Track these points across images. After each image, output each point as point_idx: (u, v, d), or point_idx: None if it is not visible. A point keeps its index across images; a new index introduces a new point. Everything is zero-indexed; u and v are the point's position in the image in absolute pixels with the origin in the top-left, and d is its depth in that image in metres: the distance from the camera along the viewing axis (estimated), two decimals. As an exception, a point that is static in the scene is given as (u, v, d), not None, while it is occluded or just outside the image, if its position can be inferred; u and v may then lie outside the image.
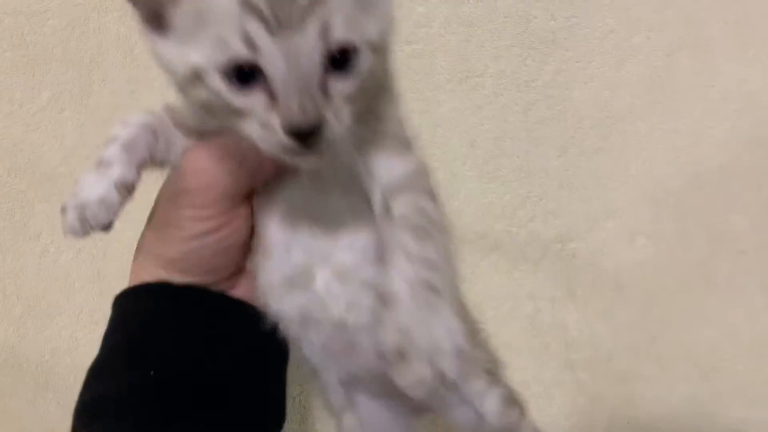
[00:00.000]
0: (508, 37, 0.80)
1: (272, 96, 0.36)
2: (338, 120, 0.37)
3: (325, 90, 0.37)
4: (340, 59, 0.37)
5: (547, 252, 0.81)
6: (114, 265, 0.84)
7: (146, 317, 0.48)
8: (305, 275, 0.47)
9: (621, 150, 0.80)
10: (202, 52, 0.36)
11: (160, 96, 0.45)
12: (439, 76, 0.81)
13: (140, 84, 0.83)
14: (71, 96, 0.85)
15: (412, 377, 0.38)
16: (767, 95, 0.78)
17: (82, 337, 0.83)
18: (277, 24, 0.35)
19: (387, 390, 0.47)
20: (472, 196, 0.81)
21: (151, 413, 0.44)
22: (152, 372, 0.45)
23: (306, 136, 0.36)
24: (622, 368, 0.74)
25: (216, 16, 0.35)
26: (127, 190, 0.43)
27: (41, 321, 0.84)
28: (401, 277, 0.40)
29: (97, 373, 0.47)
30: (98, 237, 0.44)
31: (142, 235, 0.50)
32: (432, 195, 0.44)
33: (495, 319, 0.79)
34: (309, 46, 0.35)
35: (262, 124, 0.37)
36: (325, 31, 0.35)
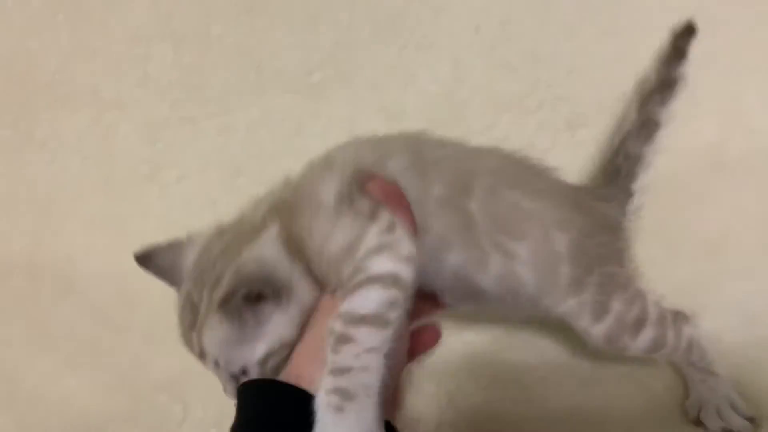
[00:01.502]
0: None
1: None
2: None
3: None
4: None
5: (556, 140, 0.79)
6: (122, 170, 0.84)
7: None
8: None
9: (631, 33, 0.78)
10: None
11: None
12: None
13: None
14: (63, -2, 0.83)
15: None
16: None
17: (96, 242, 0.84)
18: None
19: None
20: (479, 85, 0.80)
21: None
22: None
23: None
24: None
25: None
26: None
27: (55, 228, 0.85)
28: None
29: None
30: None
31: None
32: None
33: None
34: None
35: None
36: (216, 365, 0.50)
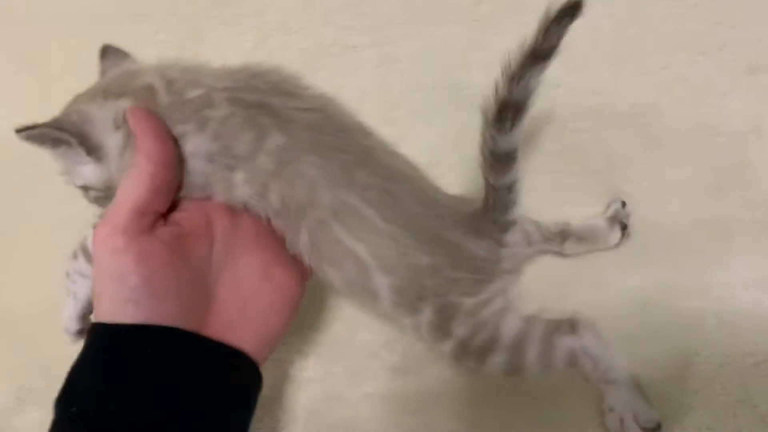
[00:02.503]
0: None
1: None
2: None
3: None
4: None
5: (736, 84, 0.76)
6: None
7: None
8: None
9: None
10: None
11: None
12: None
13: None
14: None
15: None
16: None
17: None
18: None
19: None
20: (655, 22, 0.76)
21: None
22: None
23: None
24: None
25: None
26: None
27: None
28: None
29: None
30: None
31: None
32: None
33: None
34: None
35: None
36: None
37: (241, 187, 0.55)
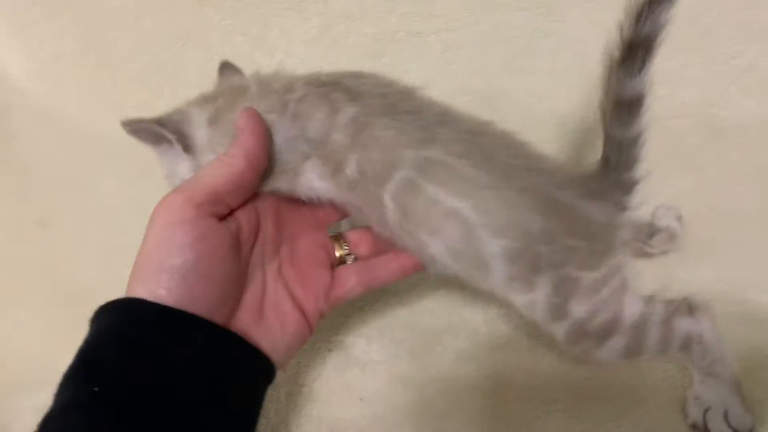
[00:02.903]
0: None
1: None
2: None
3: None
4: None
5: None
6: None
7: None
8: None
9: None
10: None
11: None
12: None
13: None
14: None
15: None
16: None
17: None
18: None
19: None
20: (727, 10, 0.75)
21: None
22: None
23: None
24: None
25: None
26: None
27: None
28: None
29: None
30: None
31: None
32: None
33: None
34: None
35: None
36: None
37: (309, 171, 0.54)
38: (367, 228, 0.60)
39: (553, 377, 0.65)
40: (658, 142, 0.76)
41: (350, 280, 0.59)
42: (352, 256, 0.61)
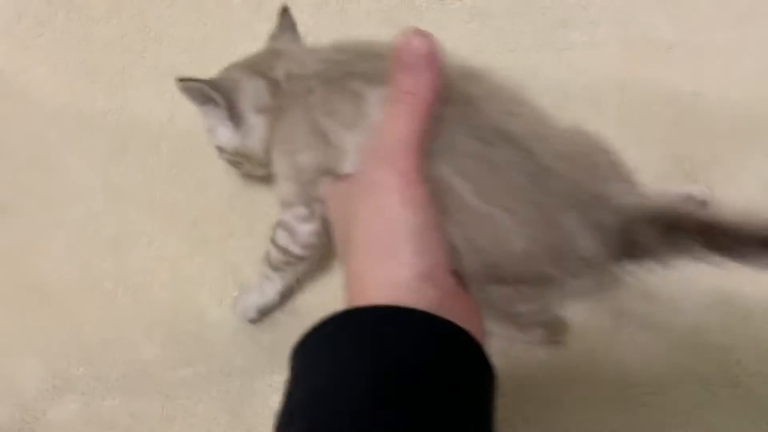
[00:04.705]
0: None
1: None
2: None
3: None
4: None
5: None
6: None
7: None
8: None
9: None
10: None
11: None
12: None
13: None
14: None
15: None
16: None
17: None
18: None
19: None
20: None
21: None
22: None
23: None
24: None
25: None
26: None
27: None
28: None
29: None
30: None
31: None
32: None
33: None
34: None
35: None
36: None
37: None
38: None
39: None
40: (714, 118, 0.69)
41: None
42: None
